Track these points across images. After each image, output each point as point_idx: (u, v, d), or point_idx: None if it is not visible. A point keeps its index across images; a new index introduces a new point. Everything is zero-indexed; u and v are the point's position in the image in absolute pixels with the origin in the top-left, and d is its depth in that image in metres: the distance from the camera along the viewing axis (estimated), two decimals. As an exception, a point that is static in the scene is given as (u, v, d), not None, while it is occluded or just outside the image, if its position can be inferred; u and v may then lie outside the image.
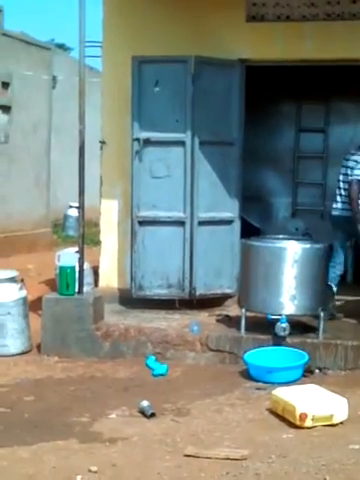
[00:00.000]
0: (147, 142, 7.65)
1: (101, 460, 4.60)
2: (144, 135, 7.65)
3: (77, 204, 7.41)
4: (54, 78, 15.21)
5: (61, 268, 7.18)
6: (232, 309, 7.62)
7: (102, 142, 8.21)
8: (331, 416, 5.24)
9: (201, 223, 7.71)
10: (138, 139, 7.65)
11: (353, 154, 7.42)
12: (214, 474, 4.39)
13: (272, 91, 9.32)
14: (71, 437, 5.02)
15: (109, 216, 8.27)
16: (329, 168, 9.34)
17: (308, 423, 5.16)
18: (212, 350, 6.84)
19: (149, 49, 7.73)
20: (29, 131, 13.92)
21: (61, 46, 26.96)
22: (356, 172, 7.31)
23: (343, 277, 8.62)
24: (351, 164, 7.32)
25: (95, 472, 4.42)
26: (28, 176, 13.94)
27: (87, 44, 7.47)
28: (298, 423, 5.17)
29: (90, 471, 4.42)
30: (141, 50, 7.68)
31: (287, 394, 5.47)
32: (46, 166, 14.57)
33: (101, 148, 8.23)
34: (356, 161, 7.32)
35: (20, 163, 13.63)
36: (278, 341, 6.69)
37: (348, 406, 5.35)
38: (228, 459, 4.61)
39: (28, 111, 13.74)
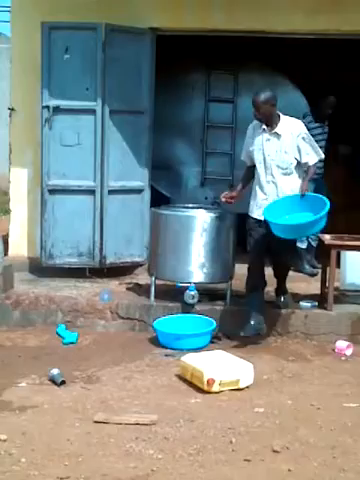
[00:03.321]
0: (57, 110, 7.59)
1: (11, 428, 4.62)
2: (54, 103, 7.58)
3: (-14, 172, 7.31)
4: None
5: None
6: (142, 277, 7.69)
7: (11, 109, 8.09)
8: (237, 381, 5.39)
9: (111, 192, 7.72)
10: (48, 107, 7.57)
11: None
12: (123, 439, 4.48)
13: (182, 61, 9.33)
14: (-20, 406, 5.02)
15: (19, 184, 8.19)
16: (237, 138, 9.41)
17: (215, 388, 5.29)
18: (122, 318, 6.90)
19: (60, 15, 7.62)
20: None
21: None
22: None
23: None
24: None
25: (4, 440, 4.43)
26: None
27: (-5, 9, 7.33)
28: (206, 388, 5.30)
29: None
30: (51, 16, 7.59)
31: (195, 360, 5.58)
32: None
33: (10, 115, 8.12)
34: None
35: None
36: (187, 309, 6.80)
37: (254, 371, 5.51)
38: (137, 424, 4.70)
39: None
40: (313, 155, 6.51)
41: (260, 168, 6.49)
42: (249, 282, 6.58)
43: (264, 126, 6.44)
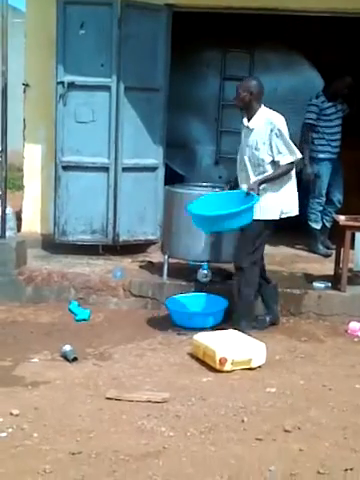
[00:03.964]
0: (72, 86, 7.55)
1: (23, 403, 4.63)
2: (69, 78, 7.54)
3: (-1, 148, 7.29)
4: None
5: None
6: (155, 255, 7.68)
7: (25, 84, 8.06)
8: (250, 360, 5.38)
9: (125, 169, 7.69)
10: (62, 82, 7.54)
11: (310, 100, 8.20)
12: (135, 416, 4.48)
13: (198, 38, 9.27)
14: (-7, 381, 5.04)
15: (32, 160, 8.18)
16: (253, 117, 9.39)
17: (227, 367, 5.29)
18: (135, 296, 6.90)
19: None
20: None
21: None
22: (306, 115, 8.11)
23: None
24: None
25: (17, 415, 4.45)
26: None
27: (10, -17, 7.26)
28: (218, 367, 5.30)
29: (12, 414, 4.45)
30: (67, -10, 7.53)
31: (207, 339, 5.58)
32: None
33: (24, 91, 8.09)
34: (308, 105, 8.17)
35: None
36: (199, 287, 6.79)
37: (266, 351, 5.50)
38: (149, 402, 4.70)
39: None
40: (287, 155, 5.97)
41: (238, 161, 6.31)
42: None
43: (244, 117, 6.17)
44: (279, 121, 6.05)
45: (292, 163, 6.05)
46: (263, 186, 5.99)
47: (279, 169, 6.01)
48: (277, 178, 6.05)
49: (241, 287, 6.11)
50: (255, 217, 5.86)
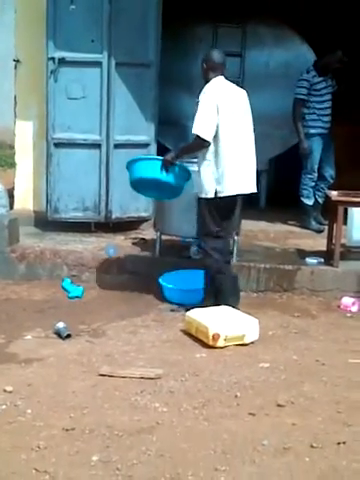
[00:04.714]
0: (62, 62, 7.49)
1: (16, 380, 4.65)
2: (59, 54, 7.48)
3: (-10, 125, 7.25)
4: (-35, -7, 14.62)
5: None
6: (148, 232, 7.67)
7: (16, 61, 7.99)
8: (243, 336, 5.40)
9: (117, 146, 7.65)
10: (53, 58, 7.48)
11: (301, 75, 8.20)
12: (129, 392, 4.50)
13: (189, 13, 9.20)
14: (-14, 358, 5.04)
15: (24, 138, 8.12)
16: (245, 93, 9.35)
17: (220, 343, 5.30)
18: (127, 273, 6.89)
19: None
20: None
21: None
22: (296, 91, 8.10)
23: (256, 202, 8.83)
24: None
25: (10, 392, 4.46)
26: None
27: None
28: (211, 343, 5.31)
29: (5, 391, 4.47)
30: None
31: (200, 315, 5.59)
32: None
33: (15, 67, 8.02)
34: (299, 80, 8.14)
35: None
36: (192, 263, 6.78)
37: (259, 326, 5.51)
38: (143, 378, 4.71)
39: None
40: (195, 126, 5.68)
41: None
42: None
43: None
44: (208, 91, 5.77)
45: (200, 139, 5.68)
46: (196, 164, 5.92)
47: (189, 142, 5.91)
48: (186, 152, 6.01)
49: (205, 261, 6.03)
50: (199, 195, 5.90)
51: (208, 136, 5.67)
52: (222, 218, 5.91)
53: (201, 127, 5.67)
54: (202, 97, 5.76)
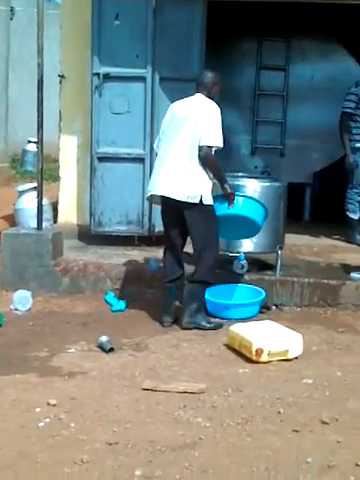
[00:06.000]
0: (107, 77, 7.56)
1: (60, 393, 4.65)
2: (104, 70, 7.56)
3: (36, 139, 7.32)
4: (12, 9, 14.83)
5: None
6: (190, 247, 7.63)
7: (61, 76, 8.08)
8: (286, 351, 5.35)
9: (161, 160, 7.68)
10: (98, 74, 7.56)
11: (349, 88, 8.15)
12: (171, 407, 4.48)
13: (233, 28, 9.21)
14: (30, 371, 5.05)
15: (68, 152, 8.20)
16: (289, 106, 9.33)
17: (264, 358, 5.26)
18: (170, 287, 6.87)
19: (110, -19, 7.55)
20: (-14, 64, 13.63)
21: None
22: (344, 104, 8.09)
23: (300, 216, 8.78)
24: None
25: (54, 405, 4.47)
26: (-15, 110, 13.70)
27: (46, -25, 7.29)
28: (254, 358, 5.27)
29: (49, 404, 4.47)
30: (102, -18, 7.52)
31: (244, 330, 5.56)
32: (4, 100, 14.31)
33: (60, 82, 8.11)
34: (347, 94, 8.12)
35: (-23, 97, 13.38)
36: (236, 278, 6.76)
37: (303, 342, 5.46)
38: (185, 393, 4.69)
39: (-15, 43, 13.43)
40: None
41: None
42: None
43: None
44: (171, 107, 6.22)
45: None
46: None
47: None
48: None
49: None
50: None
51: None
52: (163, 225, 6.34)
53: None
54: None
